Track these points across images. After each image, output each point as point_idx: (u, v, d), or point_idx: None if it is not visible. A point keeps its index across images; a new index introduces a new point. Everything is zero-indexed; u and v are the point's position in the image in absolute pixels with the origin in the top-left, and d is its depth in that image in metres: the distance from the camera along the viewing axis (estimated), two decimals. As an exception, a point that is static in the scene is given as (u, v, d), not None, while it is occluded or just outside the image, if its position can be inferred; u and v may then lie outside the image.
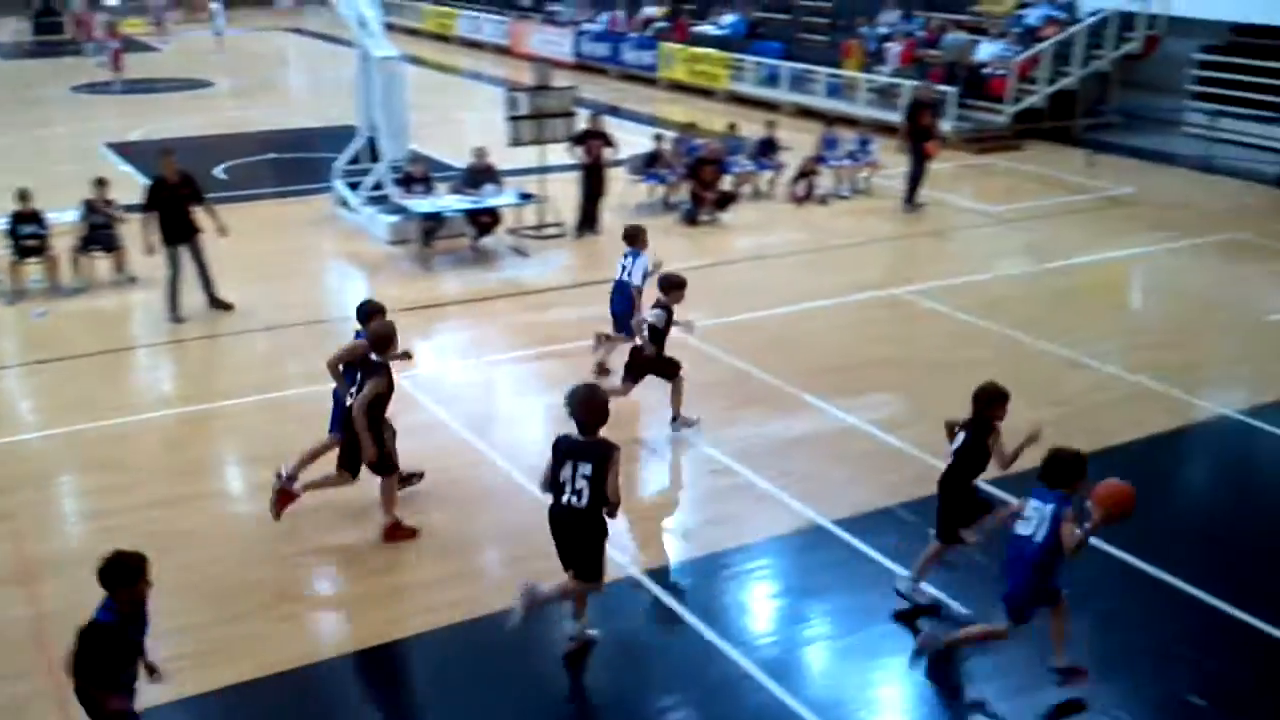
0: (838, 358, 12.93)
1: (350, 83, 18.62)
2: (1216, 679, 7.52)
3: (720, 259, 16.64)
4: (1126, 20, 25.88)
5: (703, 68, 31.32)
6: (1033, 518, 7.15)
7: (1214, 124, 23.48)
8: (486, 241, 16.96)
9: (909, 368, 12.65)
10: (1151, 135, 24.81)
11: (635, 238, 12.41)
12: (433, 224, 16.57)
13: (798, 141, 21.83)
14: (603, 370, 12.18)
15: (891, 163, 21.18)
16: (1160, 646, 7.88)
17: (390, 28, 20.16)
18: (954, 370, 12.54)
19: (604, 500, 7.24)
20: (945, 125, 24.50)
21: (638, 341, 10.99)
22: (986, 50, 26.19)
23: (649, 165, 19.48)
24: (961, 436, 8.06)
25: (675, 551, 9.07)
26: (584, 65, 35.58)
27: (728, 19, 33.04)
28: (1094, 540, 8.90)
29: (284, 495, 9.14)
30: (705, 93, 31.00)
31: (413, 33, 44.03)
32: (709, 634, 7.92)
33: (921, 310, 14.57)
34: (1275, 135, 22.98)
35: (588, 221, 17.82)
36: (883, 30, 28.91)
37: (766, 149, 20.50)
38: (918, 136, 19.28)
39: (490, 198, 16.83)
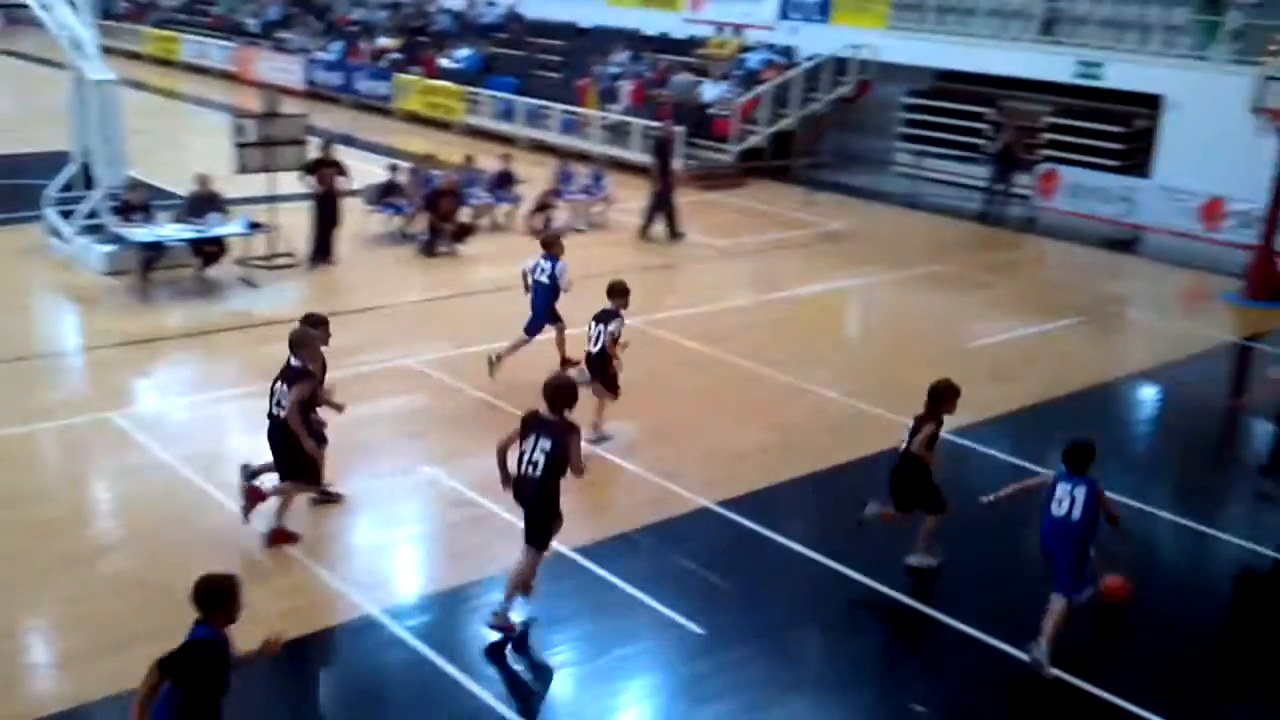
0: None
1: (64, 107, 17.59)
2: (934, 688, 8.02)
3: (459, 290, 16.61)
4: (840, 66, 27.48)
5: (439, 100, 31.22)
6: (1064, 500, 8.26)
7: (919, 163, 25.22)
8: (212, 272, 16.32)
9: (642, 395, 12.93)
10: (864, 174, 26.40)
11: (553, 244, 13.23)
12: (152, 254, 15.81)
13: (534, 175, 22.06)
14: (498, 360, 12.77)
15: (624, 197, 21.70)
16: (881, 657, 8.34)
17: (109, 51, 19.15)
18: (684, 396, 12.97)
19: (558, 473, 7.99)
20: (676, 163, 25.30)
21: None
22: (711, 92, 27.23)
23: (385, 195, 19.25)
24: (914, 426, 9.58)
25: (415, 588, 8.95)
26: (316, 94, 34.81)
27: (463, 53, 33.06)
28: (817, 556, 9.41)
29: (254, 493, 9.41)
30: (442, 125, 30.90)
31: (134, 56, 41.92)
32: (450, 670, 7.86)
33: (654, 339, 14.96)
34: (974, 174, 24.88)
35: (322, 251, 17.43)
36: (614, 70, 29.61)
37: (503, 182, 20.62)
38: (667, 173, 20.26)
39: (215, 227, 16.21)
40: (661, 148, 20.60)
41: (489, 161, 21.35)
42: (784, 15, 29.62)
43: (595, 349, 11.58)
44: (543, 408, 8.20)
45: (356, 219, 18.80)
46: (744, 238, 20.96)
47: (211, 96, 35.11)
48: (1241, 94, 18.38)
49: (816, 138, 28.18)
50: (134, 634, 7.98)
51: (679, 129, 25.31)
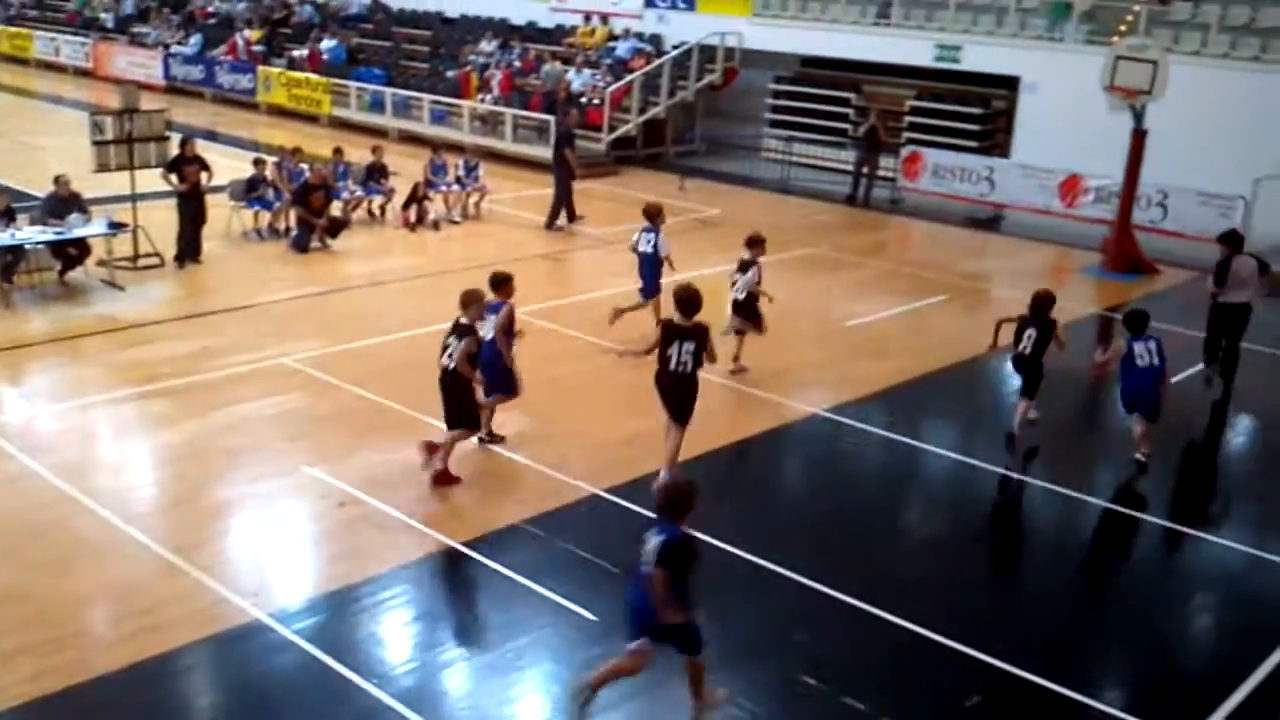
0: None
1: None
2: (825, 659, 8.19)
3: (334, 286, 16.33)
4: (708, 53, 27.71)
5: (304, 93, 30.60)
6: (1145, 355, 11.20)
7: (788, 149, 25.60)
8: (75, 275, 15.77)
9: (528, 386, 12.90)
10: (735, 160, 26.69)
11: (655, 216, 14.81)
12: (11, 258, 15.21)
13: (406, 167, 21.79)
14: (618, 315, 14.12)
15: (498, 188, 21.60)
16: (774, 632, 8.48)
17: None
18: (569, 386, 12.99)
19: (701, 365, 10.25)
20: (548, 152, 25.25)
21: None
22: (580, 80, 27.23)
23: (251, 191, 18.81)
24: (1032, 332, 11.83)
25: (302, 590, 8.80)
26: (176, 89, 33.90)
27: (327, 44, 32.47)
28: (707, 538, 9.55)
29: (430, 445, 10.38)
30: (309, 118, 30.30)
31: (-20, 53, 40.26)
32: (343, 671, 7.74)
33: (535, 330, 14.89)
34: (841, 158, 25.36)
35: (189, 250, 16.97)
36: (482, 60, 29.41)
37: (375, 174, 20.33)
38: (564, 162, 20.76)
39: (76, 228, 15.65)
40: (568, 137, 21.09)
41: (360, 154, 21.03)
42: (651, 3, 29.76)
43: (741, 296, 13.63)
44: (678, 318, 10.22)
45: (223, 216, 18.35)
46: (621, 226, 20.99)
47: (67, 94, 33.89)
48: (1094, 73, 19.06)
49: (688, 126, 28.41)
50: (7, 650, 7.71)
51: (549, 118, 25.34)
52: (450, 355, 10.39)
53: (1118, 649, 8.73)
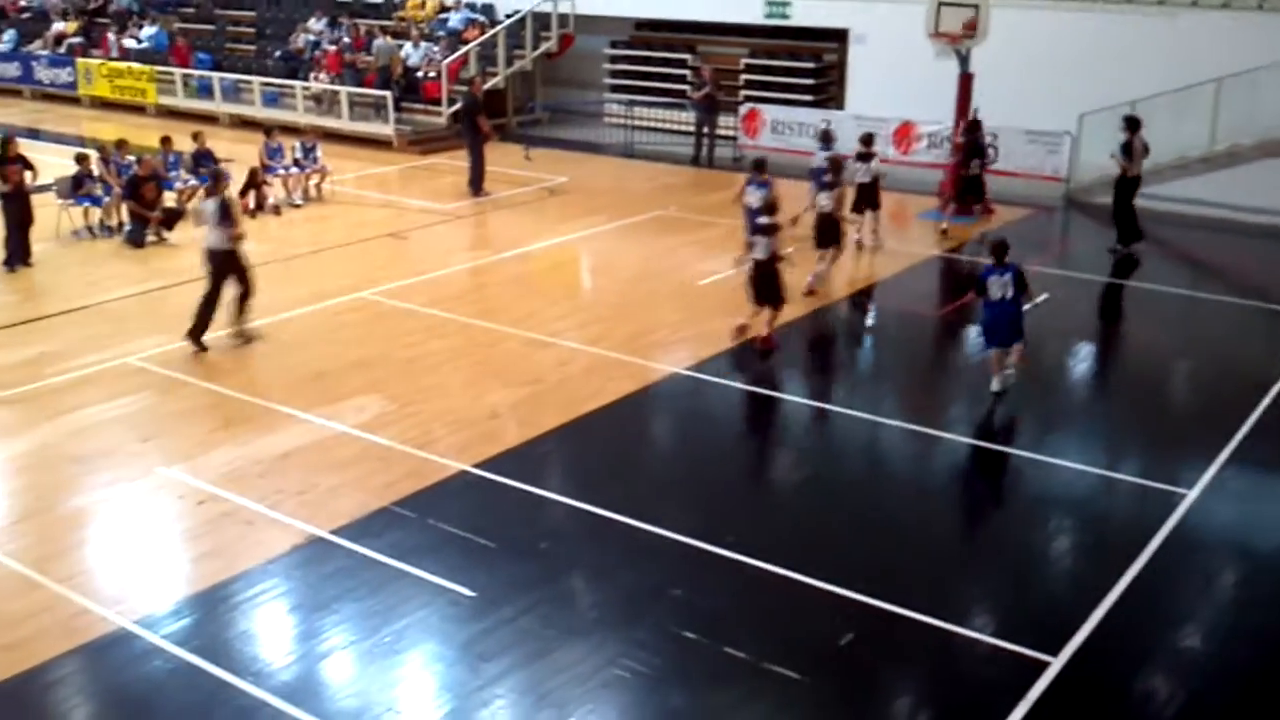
0: (314, 366, 12.77)
1: None
2: (704, 612, 8.33)
3: (173, 280, 15.78)
4: (542, 21, 27.52)
5: (127, 82, 29.41)
6: (997, 288, 11.80)
7: (630, 113, 25.63)
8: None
9: (384, 366, 12.78)
10: (578, 127, 26.63)
11: (762, 168, 15.97)
12: None
13: (241, 153, 21.17)
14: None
15: (339, 168, 21.20)
16: (652, 590, 8.59)
17: None
18: (427, 364, 12.87)
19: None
20: (387, 129, 24.86)
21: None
22: (416, 55, 26.79)
23: (79, 188, 18.04)
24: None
25: (168, 593, 8.55)
26: (-8, 87, 32.33)
27: (148, 31, 31.23)
28: (579, 504, 9.61)
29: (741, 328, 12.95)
30: (136, 108, 29.17)
31: None
32: (216, 671, 7.58)
33: (389, 310, 14.73)
34: (683, 119, 25.50)
35: (17, 253, 16.23)
36: (311, 39, 28.69)
37: (203, 161, 19.68)
38: (477, 130, 20.84)
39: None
40: (477, 104, 21.12)
41: (188, 142, 20.36)
42: (480, -28, 29.38)
43: (868, 180, 16.25)
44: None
45: (51, 215, 17.58)
46: (468, 200, 20.82)
47: None
48: (919, 22, 19.52)
49: (529, 95, 28.22)
50: None
51: (384, 93, 24.93)
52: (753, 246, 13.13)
53: (982, 578, 9.09)
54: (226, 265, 13.11)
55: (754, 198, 14.97)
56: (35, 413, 11.50)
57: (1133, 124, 17.66)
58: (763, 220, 13.27)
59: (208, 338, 13.20)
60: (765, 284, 13.27)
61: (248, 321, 13.50)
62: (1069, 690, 7.50)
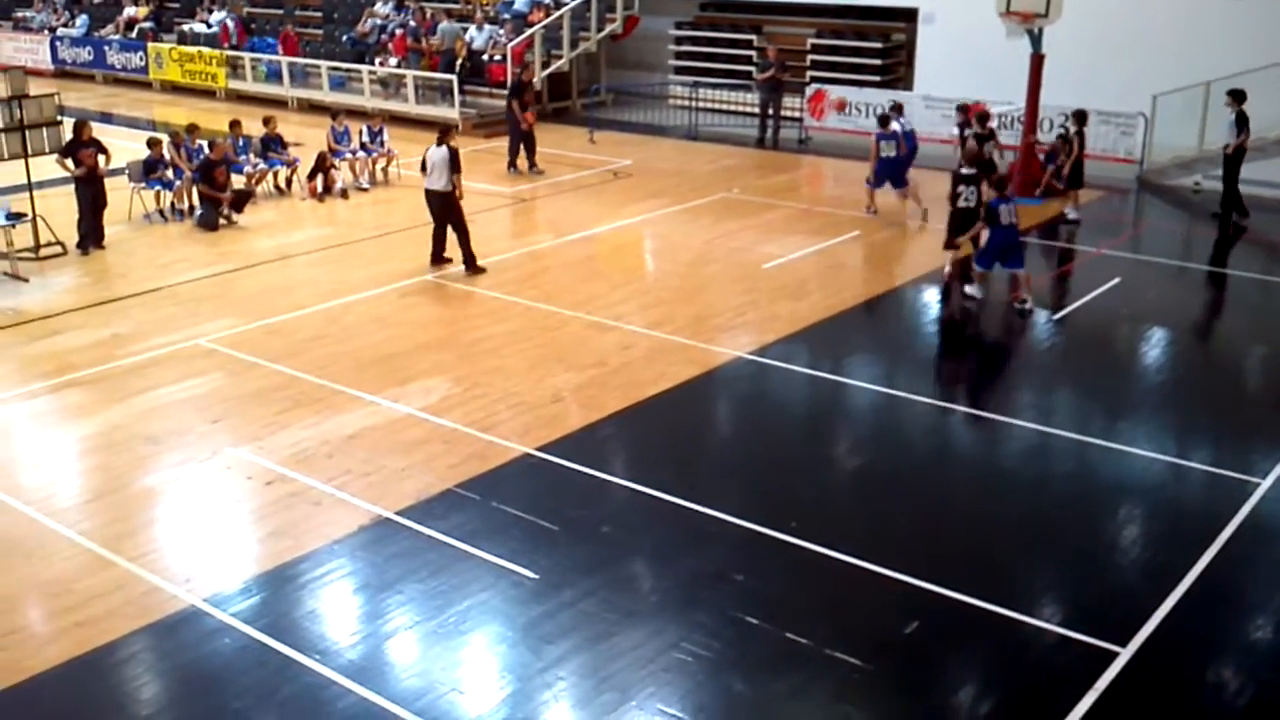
0: (380, 349, 12.89)
1: None
2: (766, 597, 8.30)
3: (245, 262, 16.03)
4: (608, 2, 27.46)
5: (198, 67, 29.83)
6: (1005, 215, 13.83)
7: (694, 94, 25.52)
8: (-27, 270, 15.32)
9: (450, 349, 12.86)
10: (642, 109, 26.57)
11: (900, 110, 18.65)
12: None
13: (309, 137, 21.39)
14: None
15: (405, 151, 21.34)
16: (714, 575, 8.57)
17: None
18: (491, 346, 12.93)
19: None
20: (453, 113, 24.98)
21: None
22: (481, 38, 26.87)
23: (151, 171, 18.33)
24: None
25: (237, 572, 8.68)
26: (66, 72, 32.92)
27: (217, 16, 31.64)
28: (641, 488, 9.61)
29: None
30: (206, 93, 29.59)
31: None
32: (284, 650, 7.68)
33: (453, 293, 14.83)
34: (746, 100, 25.34)
35: (91, 236, 16.54)
36: (379, 23, 28.88)
37: (272, 146, 19.93)
38: (520, 110, 21.27)
39: (-29, 222, 15.18)
40: (520, 89, 21.49)
41: (257, 126, 20.61)
42: (546, -46, 29.36)
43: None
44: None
45: (124, 199, 17.90)
46: (533, 183, 20.88)
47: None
48: (990, 1, 19.19)
49: (594, 77, 28.21)
50: (-62, 659, 7.55)
51: (450, 77, 25.06)
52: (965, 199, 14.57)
53: (1050, 566, 8.96)
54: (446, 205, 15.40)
55: (888, 147, 17.75)
56: (107, 393, 11.72)
57: (1241, 96, 17.70)
58: (966, 170, 14.96)
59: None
60: (963, 229, 14.85)
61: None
62: (1138, 681, 7.37)
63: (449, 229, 15.55)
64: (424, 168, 15.48)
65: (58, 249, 16.25)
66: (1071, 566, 8.92)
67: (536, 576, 8.45)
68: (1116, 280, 15.17)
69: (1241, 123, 17.73)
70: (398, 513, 9.35)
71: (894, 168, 18.01)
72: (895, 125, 18.19)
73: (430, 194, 15.47)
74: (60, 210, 16.59)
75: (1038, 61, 19.20)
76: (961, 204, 14.79)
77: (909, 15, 24.51)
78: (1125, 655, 7.57)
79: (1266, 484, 9.79)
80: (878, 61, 25.19)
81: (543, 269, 15.94)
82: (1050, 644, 7.83)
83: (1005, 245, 14.02)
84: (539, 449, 10.44)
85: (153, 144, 18.45)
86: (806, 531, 9.01)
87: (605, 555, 8.80)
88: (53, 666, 7.50)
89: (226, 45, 29.58)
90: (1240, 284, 15.86)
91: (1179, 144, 20.22)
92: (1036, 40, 19.03)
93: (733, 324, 13.77)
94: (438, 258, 15.73)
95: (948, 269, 15.16)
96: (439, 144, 15.35)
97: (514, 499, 9.56)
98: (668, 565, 8.77)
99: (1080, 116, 18.39)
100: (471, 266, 15.45)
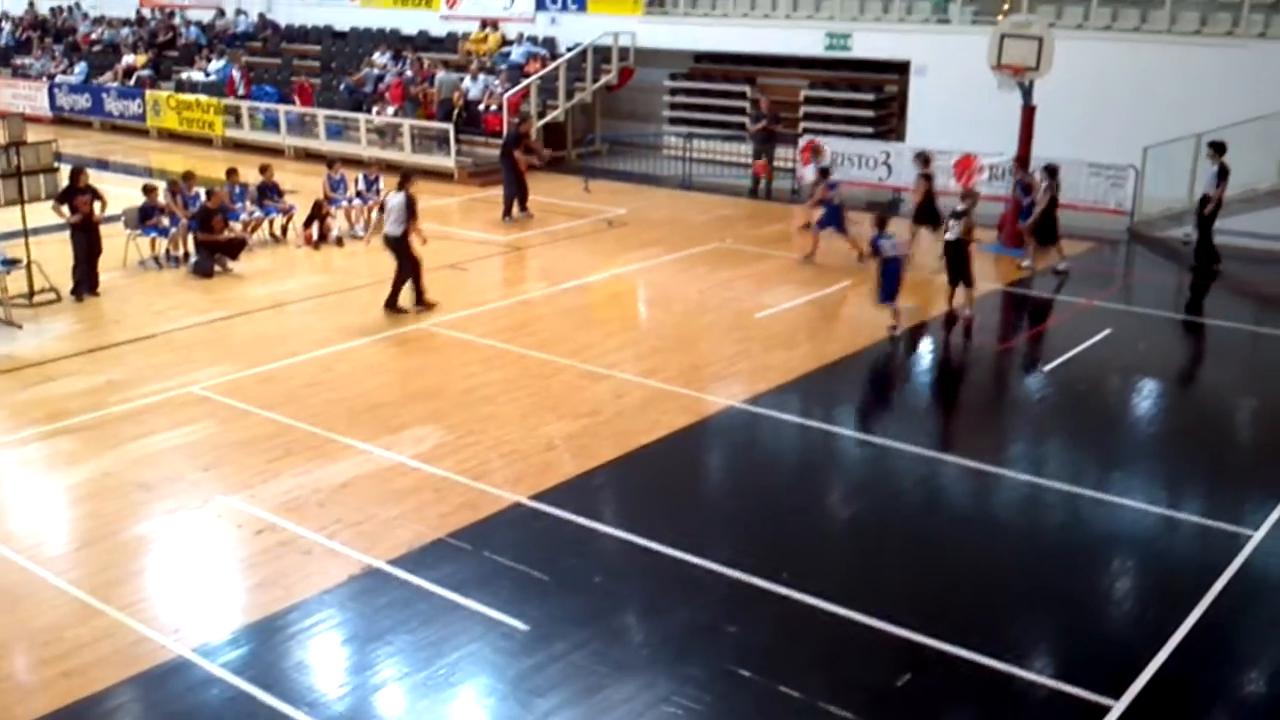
0: (373, 397, 12.90)
1: None
2: (758, 649, 8.26)
3: (240, 310, 16.06)
4: (603, 54, 27.75)
5: (195, 115, 30.04)
6: (889, 249, 14.78)
7: (688, 145, 25.72)
8: (-33, 316, 15.32)
9: (443, 397, 12.87)
10: (637, 159, 26.74)
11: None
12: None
13: (305, 185, 21.50)
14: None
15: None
16: (706, 626, 8.54)
17: None
18: (484, 394, 12.93)
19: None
20: (449, 161, 25.15)
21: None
22: (476, 88, 27.10)
23: (146, 218, 18.40)
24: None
25: (226, 622, 8.63)
26: (64, 119, 33.13)
27: (215, 65, 31.91)
28: (634, 538, 9.59)
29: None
30: (203, 141, 29.77)
31: None
32: (272, 701, 7.63)
33: (447, 341, 14.85)
34: (741, 151, 25.53)
35: (86, 282, 16.56)
36: (376, 73, 29.14)
37: (268, 193, 20.03)
38: (509, 163, 21.80)
39: (-35, 268, 15.21)
40: (517, 139, 21.94)
41: (254, 174, 20.71)
42: (542, 6, 29.72)
43: (953, 238, 15.37)
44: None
45: (119, 246, 17.95)
46: (528, 231, 20.98)
47: (-56, 130, 32.87)
48: (982, 53, 19.43)
49: (588, 127, 28.42)
50: (-77, 709, 7.48)
51: (446, 126, 25.24)
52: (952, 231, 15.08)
53: (1043, 618, 8.93)
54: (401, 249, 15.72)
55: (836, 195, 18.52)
56: (99, 440, 11.71)
57: (1222, 148, 18.10)
58: (959, 207, 15.44)
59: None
60: (958, 265, 15.25)
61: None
62: (1131, 736, 7.34)
63: (405, 273, 15.87)
64: (382, 210, 16.13)
65: (52, 295, 16.27)
66: (1064, 619, 8.89)
67: (527, 628, 8.41)
68: (1107, 331, 15.24)
69: (1223, 174, 17.95)
70: (388, 562, 9.31)
71: (838, 213, 18.65)
72: (836, 174, 19.43)
73: (386, 239, 15.85)
74: (55, 256, 16.63)
75: (1029, 113, 19.40)
76: (950, 237, 15.45)
77: (901, 67, 24.77)
78: (1119, 708, 7.54)
79: (1259, 536, 9.79)
80: (870, 113, 25.41)
81: (536, 317, 15.99)
82: (1043, 697, 7.80)
83: (895, 275, 14.83)
84: (531, 498, 10.42)
85: (149, 191, 18.54)
86: (799, 582, 8.99)
87: (597, 606, 8.76)
88: (40, 717, 7.43)
89: (233, 95, 29.71)
90: (1230, 335, 15.94)
91: (1169, 196, 20.38)
92: (1028, 92, 19.24)
93: (726, 373, 13.80)
94: (392, 303, 15.85)
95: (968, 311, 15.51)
96: (398, 189, 15.72)
97: (505, 549, 9.53)
98: (660, 616, 8.73)
99: (1052, 170, 18.26)
100: (421, 302, 15.88)
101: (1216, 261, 18.30)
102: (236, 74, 30.37)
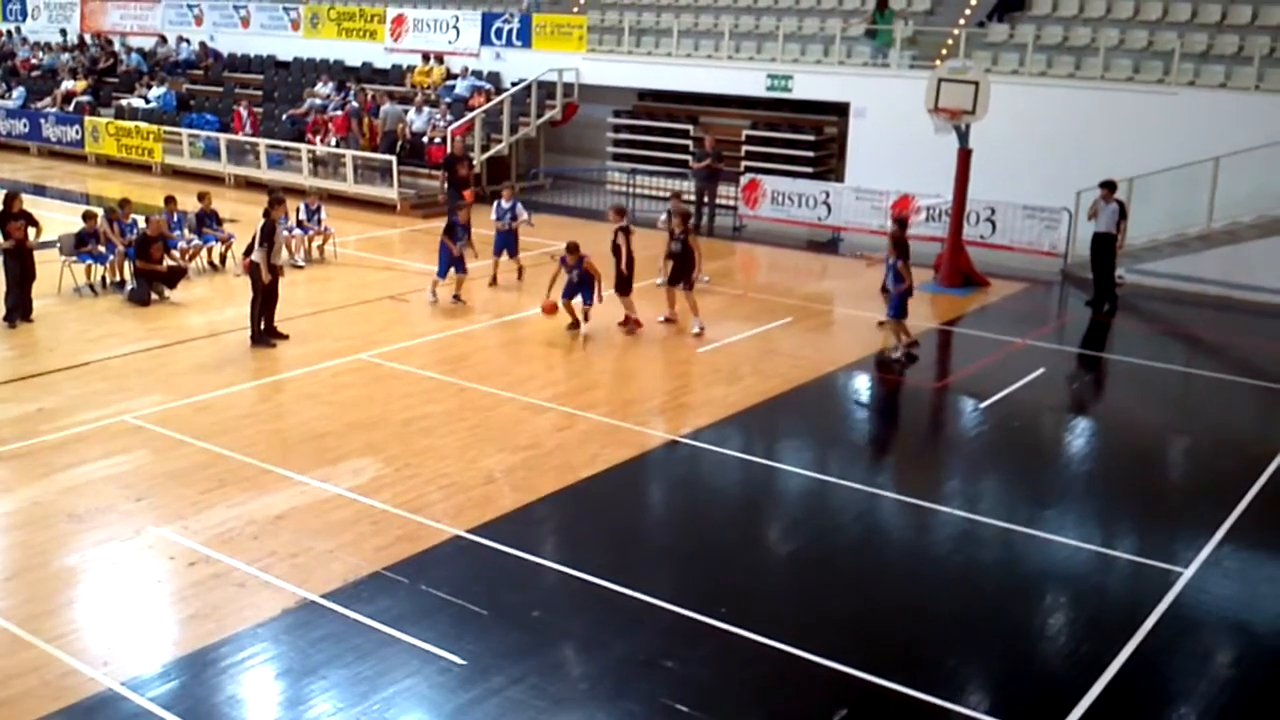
0: (311, 427, 12.77)
1: None
2: (696, 684, 8.25)
3: (176, 338, 15.85)
4: (547, 90, 27.88)
5: (134, 141, 29.69)
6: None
7: (631, 181, 25.86)
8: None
9: (381, 429, 12.77)
10: (580, 194, 26.84)
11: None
12: None
13: (246, 214, 21.32)
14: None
15: (342, 230, 21.33)
16: (645, 661, 8.52)
17: None
18: (422, 427, 12.85)
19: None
20: (391, 193, 25.08)
21: None
22: (420, 120, 27.09)
23: (82, 245, 18.14)
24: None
25: (156, 655, 8.47)
26: (1, 144, 32.64)
27: (156, 92, 31.61)
28: (573, 571, 9.56)
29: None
30: (142, 168, 29.44)
31: None
32: (203, 734, 7.52)
33: (387, 372, 14.76)
34: (683, 188, 25.65)
35: (18, 309, 16.27)
36: (319, 103, 29.01)
37: (208, 222, 19.84)
38: (457, 186, 22.52)
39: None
40: (453, 163, 22.79)
41: (192, 202, 20.51)
42: (487, 41, 29.80)
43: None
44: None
45: (54, 272, 17.67)
46: (471, 263, 20.89)
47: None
48: (919, 96, 19.78)
49: (532, 162, 28.49)
50: None
51: (389, 158, 25.20)
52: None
53: (977, 654, 9.02)
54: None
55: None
56: (30, 469, 11.47)
57: (1114, 185, 18.72)
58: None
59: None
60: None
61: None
62: (1064, 770, 7.41)
63: (264, 301, 15.61)
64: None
65: (-17, 321, 15.99)
66: (998, 654, 8.99)
67: (465, 662, 8.34)
68: (1041, 370, 15.50)
69: (1123, 213, 18.74)
70: (323, 595, 9.20)
71: (509, 239, 19.24)
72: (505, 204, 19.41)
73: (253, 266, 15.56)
74: (-13, 283, 16.35)
75: (965, 156, 19.76)
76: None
77: (841, 109, 25.13)
78: (1051, 743, 7.62)
79: (1189, 573, 9.97)
80: (810, 153, 25.72)
81: (477, 349, 15.95)
82: (978, 732, 7.86)
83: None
84: (470, 531, 10.36)
85: (88, 217, 18.29)
86: (737, 617, 9.00)
87: (535, 640, 8.71)
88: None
89: (240, 133, 28.61)
90: (1162, 375, 16.26)
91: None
92: (964, 136, 19.60)
93: (667, 407, 13.84)
94: (255, 337, 15.61)
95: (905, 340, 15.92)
96: (265, 217, 15.56)
97: (443, 582, 9.46)
98: (598, 651, 8.70)
99: (902, 223, 16.98)
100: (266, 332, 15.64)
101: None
102: (244, 112, 28.84)
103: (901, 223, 17.00)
